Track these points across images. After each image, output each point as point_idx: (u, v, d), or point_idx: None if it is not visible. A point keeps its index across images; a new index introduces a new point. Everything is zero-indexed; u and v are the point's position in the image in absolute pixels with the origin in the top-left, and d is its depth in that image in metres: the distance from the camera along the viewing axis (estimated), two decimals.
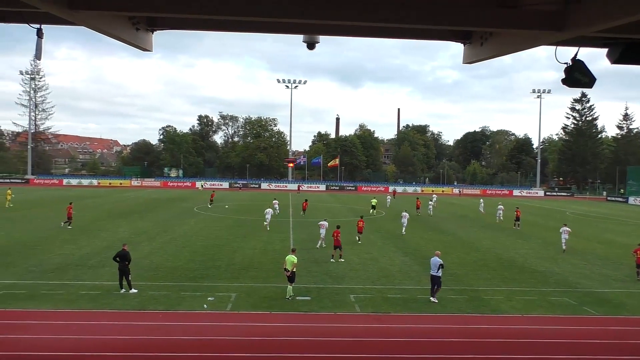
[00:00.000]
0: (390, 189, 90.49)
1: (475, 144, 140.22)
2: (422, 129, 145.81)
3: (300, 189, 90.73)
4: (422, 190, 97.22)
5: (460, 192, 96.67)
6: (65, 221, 32.93)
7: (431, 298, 17.09)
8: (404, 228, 34.53)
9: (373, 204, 48.30)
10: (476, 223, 42.43)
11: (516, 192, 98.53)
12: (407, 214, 35.78)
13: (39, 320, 14.23)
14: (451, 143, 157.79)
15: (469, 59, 11.53)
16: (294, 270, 17.13)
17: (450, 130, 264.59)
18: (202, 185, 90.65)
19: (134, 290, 16.99)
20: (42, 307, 15.25)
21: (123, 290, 16.98)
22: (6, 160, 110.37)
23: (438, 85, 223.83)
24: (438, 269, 17.02)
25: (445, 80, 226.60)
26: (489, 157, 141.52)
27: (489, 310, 16.29)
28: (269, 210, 36.01)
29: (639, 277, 21.34)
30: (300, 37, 11.59)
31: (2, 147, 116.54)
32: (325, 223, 27.89)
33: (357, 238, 29.72)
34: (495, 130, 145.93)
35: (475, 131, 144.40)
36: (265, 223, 34.54)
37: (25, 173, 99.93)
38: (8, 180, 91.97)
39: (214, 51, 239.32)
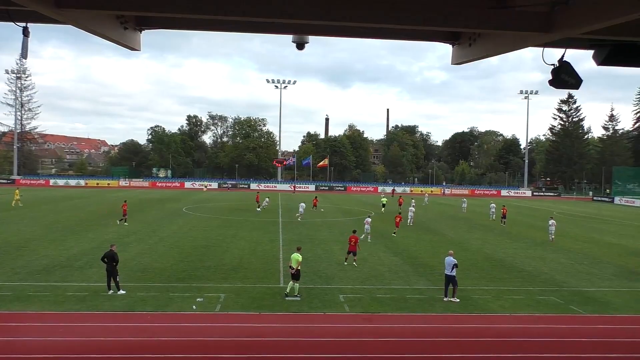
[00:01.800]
0: (380, 189, 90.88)
1: (464, 144, 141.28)
2: (411, 130, 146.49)
3: (295, 189, 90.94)
4: (412, 190, 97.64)
5: (443, 192, 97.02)
6: (121, 219, 35.24)
7: (444, 298, 17.17)
8: (410, 220, 38.84)
9: (383, 202, 50.30)
10: (465, 223, 42.68)
11: (504, 192, 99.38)
12: (414, 208, 40.62)
13: (25, 322, 14.06)
14: (440, 143, 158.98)
15: (458, 60, 11.59)
16: (299, 268, 17.22)
17: (439, 131, 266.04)
18: (205, 187, 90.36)
19: (122, 292, 16.84)
20: (29, 309, 15.07)
21: (111, 291, 16.83)
22: None
23: (426, 85, 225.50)
24: (452, 269, 17.09)
25: (433, 81, 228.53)
26: (478, 157, 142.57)
27: (477, 310, 16.40)
28: (303, 205, 41.77)
29: None
30: (289, 37, 11.58)
31: None
32: (369, 219, 30.93)
33: (394, 232, 32.96)
34: (483, 130, 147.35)
35: (463, 132, 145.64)
36: (297, 214, 40.83)
37: (10, 173, 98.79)
38: None
39: (202, 51, 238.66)
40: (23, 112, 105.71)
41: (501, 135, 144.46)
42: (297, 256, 17.35)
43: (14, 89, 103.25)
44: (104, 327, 13.79)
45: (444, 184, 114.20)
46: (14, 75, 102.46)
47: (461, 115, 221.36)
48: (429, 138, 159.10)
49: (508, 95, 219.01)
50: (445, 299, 17.16)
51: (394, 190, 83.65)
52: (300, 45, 11.71)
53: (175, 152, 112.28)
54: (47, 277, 19.05)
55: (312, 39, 11.82)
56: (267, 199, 51.07)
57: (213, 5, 9.14)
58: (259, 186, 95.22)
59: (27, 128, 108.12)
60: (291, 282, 17.18)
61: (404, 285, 19.34)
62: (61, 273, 19.71)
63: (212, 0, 9.14)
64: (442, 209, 58.08)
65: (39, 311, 14.88)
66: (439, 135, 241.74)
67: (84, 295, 16.54)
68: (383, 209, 48.76)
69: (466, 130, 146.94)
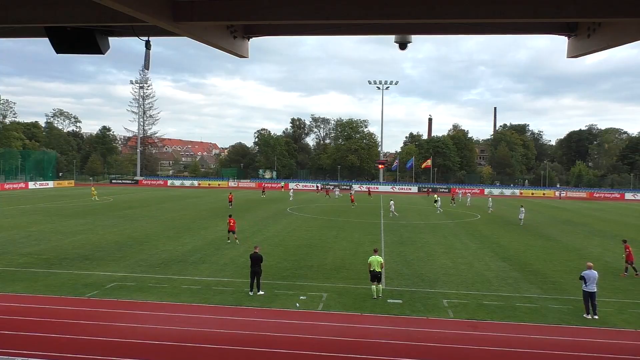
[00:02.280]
0: (437, 189, 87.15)
1: (581, 143, 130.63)
2: (521, 128, 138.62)
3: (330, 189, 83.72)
4: (521, 193, 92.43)
5: (560, 195, 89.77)
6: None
7: (587, 315, 15.54)
8: (521, 221, 40.03)
9: (436, 198, 53.63)
10: (582, 228, 39.47)
11: (628, 196, 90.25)
12: (524, 209, 41.53)
13: (145, 310, 15.32)
14: (553, 143, 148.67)
15: (575, 53, 10.77)
16: (381, 270, 17.25)
17: (552, 129, 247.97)
18: (319, 187, 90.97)
19: (261, 292, 17.10)
20: (149, 299, 16.41)
21: (252, 292, 17.07)
22: (119, 163, 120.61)
23: (536, 78, 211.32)
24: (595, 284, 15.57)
25: (549, 74, 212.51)
26: (597, 157, 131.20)
27: (596, 323, 15.09)
28: (392, 203, 46.83)
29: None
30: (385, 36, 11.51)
31: (115, 151, 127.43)
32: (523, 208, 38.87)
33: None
34: (603, 128, 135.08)
35: (580, 130, 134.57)
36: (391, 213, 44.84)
37: (135, 175, 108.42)
38: (120, 182, 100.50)
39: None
40: (145, 118, 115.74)
41: (625, 133, 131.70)
42: (379, 258, 17.24)
43: (137, 97, 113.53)
44: (215, 319, 14.63)
45: (558, 186, 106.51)
46: (138, 85, 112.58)
47: (580, 111, 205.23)
48: (541, 137, 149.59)
49: None
50: (588, 317, 15.51)
51: (429, 189, 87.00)
52: (402, 45, 11.60)
53: (280, 154, 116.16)
54: (165, 270, 20.64)
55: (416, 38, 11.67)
56: (391, 201, 50.88)
57: (314, 12, 9.34)
58: (360, 187, 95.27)
59: (148, 133, 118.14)
60: (379, 285, 17.12)
61: (513, 293, 18.33)
62: (177, 267, 21.25)
63: (313, 8, 9.34)
64: (554, 213, 54.29)
65: (158, 301, 16.14)
66: (552, 134, 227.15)
67: (197, 289, 17.69)
68: (438, 205, 50.80)
69: (584, 128, 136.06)
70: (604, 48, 10.13)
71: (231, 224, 27.89)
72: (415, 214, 47.82)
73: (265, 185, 79.91)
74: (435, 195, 59.79)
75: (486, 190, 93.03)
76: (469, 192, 70.54)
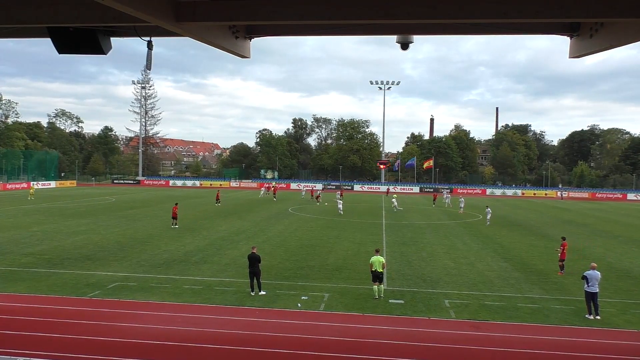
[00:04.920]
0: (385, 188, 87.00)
1: (583, 143, 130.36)
2: (523, 129, 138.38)
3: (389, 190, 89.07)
4: (523, 193, 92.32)
5: (562, 195, 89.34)
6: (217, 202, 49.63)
7: (589, 316, 15.50)
8: (487, 221, 39.84)
9: (394, 198, 55.09)
10: (584, 229, 39.41)
11: (631, 196, 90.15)
12: (490, 210, 41.50)
13: (147, 310, 15.32)
14: (555, 143, 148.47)
15: (577, 53, 10.76)
16: (383, 270, 17.24)
17: (554, 129, 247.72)
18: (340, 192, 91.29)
19: (263, 292, 17.10)
20: (151, 299, 16.41)
21: (254, 292, 17.09)
22: (121, 163, 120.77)
23: (536, 79, 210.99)
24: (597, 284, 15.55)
25: (550, 75, 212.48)
26: (599, 157, 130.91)
27: (598, 323, 15.06)
28: (340, 201, 48.20)
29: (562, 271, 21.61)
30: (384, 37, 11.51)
31: (117, 151, 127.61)
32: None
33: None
34: (605, 128, 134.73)
35: (582, 130, 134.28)
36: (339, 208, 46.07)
37: (136, 175, 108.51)
38: (122, 182, 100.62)
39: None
40: (147, 118, 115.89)
41: (627, 133, 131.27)
42: (381, 259, 17.21)
43: (139, 97, 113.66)
44: (216, 319, 14.62)
45: (560, 186, 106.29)
46: (139, 85, 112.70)
47: (580, 111, 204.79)
48: (543, 137, 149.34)
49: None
50: (590, 317, 15.51)
51: (388, 189, 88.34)
52: (404, 45, 11.60)
53: (282, 154, 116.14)
54: (167, 270, 20.65)
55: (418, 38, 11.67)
56: (339, 196, 54.50)
57: (317, 13, 9.33)
58: (362, 187, 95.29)
59: (150, 133, 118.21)
60: (380, 285, 17.13)
61: (515, 294, 18.30)
62: (179, 267, 21.25)
63: (316, 8, 9.33)
64: (556, 213, 54.21)
65: (160, 301, 16.15)
66: (555, 134, 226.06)
67: (199, 289, 17.70)
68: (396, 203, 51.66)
69: (585, 128, 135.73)
70: (607, 48, 10.11)
71: (175, 211, 34.35)
72: (417, 214, 47.80)
73: (273, 185, 74.64)
74: (394, 194, 62.74)
75: (488, 191, 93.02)
76: (448, 193, 69.24)
